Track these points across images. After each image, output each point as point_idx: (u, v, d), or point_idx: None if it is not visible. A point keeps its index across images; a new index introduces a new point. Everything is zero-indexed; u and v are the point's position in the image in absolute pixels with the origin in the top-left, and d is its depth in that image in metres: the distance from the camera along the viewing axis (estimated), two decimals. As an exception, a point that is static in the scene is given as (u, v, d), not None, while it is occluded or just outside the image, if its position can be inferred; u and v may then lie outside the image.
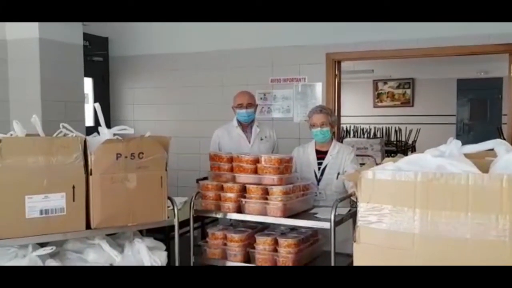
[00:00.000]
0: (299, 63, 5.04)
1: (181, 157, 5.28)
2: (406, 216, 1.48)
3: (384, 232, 1.52)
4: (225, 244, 2.82)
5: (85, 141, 2.33)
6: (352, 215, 2.83)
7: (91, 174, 2.32)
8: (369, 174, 1.53)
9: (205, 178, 3.23)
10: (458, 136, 10.16)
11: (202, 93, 5.49)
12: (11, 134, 2.31)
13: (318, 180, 3.25)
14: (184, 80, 5.57)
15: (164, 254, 2.62)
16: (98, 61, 5.67)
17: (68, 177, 2.26)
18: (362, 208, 1.56)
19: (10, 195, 2.14)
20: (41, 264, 2.25)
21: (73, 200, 2.27)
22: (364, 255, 1.57)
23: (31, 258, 2.24)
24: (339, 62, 5.01)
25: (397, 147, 8.87)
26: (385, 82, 11.37)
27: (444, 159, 1.57)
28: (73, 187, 2.27)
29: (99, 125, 2.54)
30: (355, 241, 1.58)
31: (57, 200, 2.23)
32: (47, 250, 2.27)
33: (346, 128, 9.40)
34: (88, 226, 2.34)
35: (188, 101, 5.58)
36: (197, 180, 4.71)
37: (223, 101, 5.15)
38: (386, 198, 1.52)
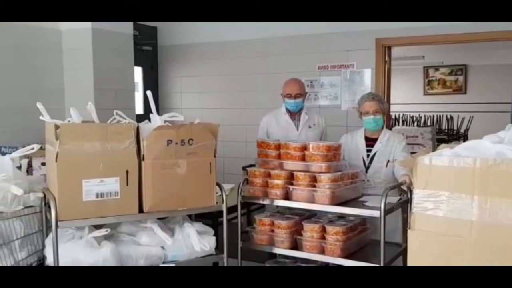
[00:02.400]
0: (348, 49, 4.94)
1: (228, 145, 5.32)
2: (464, 203, 1.44)
3: (441, 219, 1.48)
4: (272, 231, 2.83)
5: (137, 128, 2.39)
6: (402, 204, 2.78)
7: (143, 159, 2.38)
8: (426, 160, 1.49)
9: (252, 166, 3.25)
10: (513, 125, 9.69)
11: (249, 80, 5.50)
12: (69, 121, 2.41)
13: (367, 168, 3.19)
14: (231, 68, 5.59)
15: (213, 239, 2.67)
16: (147, 50, 5.78)
17: (122, 162, 2.33)
18: (417, 194, 1.52)
19: (69, 179, 2.23)
20: (97, 246, 2.34)
21: (127, 185, 2.34)
22: (419, 242, 1.53)
23: (87, 240, 2.34)
24: (389, 48, 4.88)
25: (448, 135, 8.57)
26: (436, 68, 10.98)
27: (503, 145, 1.51)
28: (127, 172, 2.34)
29: (149, 112, 2.60)
30: (409, 228, 1.55)
31: (112, 184, 2.30)
32: (103, 232, 2.36)
33: (395, 116, 9.17)
34: (140, 210, 2.41)
35: (235, 89, 5.61)
36: (243, 168, 4.75)
37: (269, 88, 5.14)
38: (443, 184, 1.47)
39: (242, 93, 5.56)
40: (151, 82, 5.89)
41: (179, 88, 6.00)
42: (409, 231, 1.56)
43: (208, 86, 5.79)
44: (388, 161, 3.16)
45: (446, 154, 1.50)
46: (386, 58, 4.86)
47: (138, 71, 5.64)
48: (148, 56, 5.83)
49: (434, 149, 5.07)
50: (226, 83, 5.65)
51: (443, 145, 1.77)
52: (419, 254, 1.53)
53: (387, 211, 2.52)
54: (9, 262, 2.30)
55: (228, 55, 5.59)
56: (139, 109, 5.35)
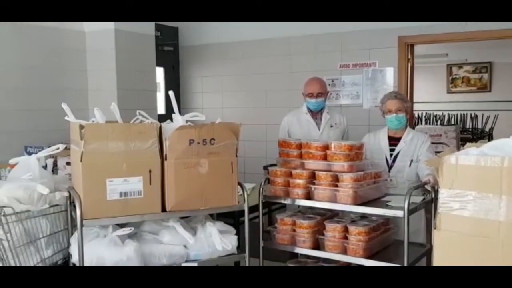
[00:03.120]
0: (370, 47, 4.89)
1: (248, 144, 5.33)
2: (491, 203, 1.41)
3: (467, 219, 1.45)
4: (294, 230, 2.83)
5: (160, 128, 2.41)
6: (426, 204, 2.74)
7: (166, 159, 2.40)
8: (452, 159, 1.46)
9: (273, 165, 3.25)
10: (540, 123, 9.47)
11: (270, 80, 5.49)
12: (93, 121, 2.44)
13: (390, 167, 3.16)
14: (252, 68, 5.60)
15: (235, 238, 2.67)
16: (168, 50, 5.83)
17: (145, 162, 2.35)
18: (443, 194, 1.49)
19: (93, 179, 2.26)
20: (121, 244, 2.36)
21: (150, 184, 2.36)
22: (445, 242, 1.51)
23: (111, 238, 2.37)
24: (412, 46, 4.81)
25: (473, 134, 8.42)
26: (460, 66, 10.78)
27: (532, 144, 1.47)
28: (150, 171, 2.36)
29: (170, 113, 2.61)
30: (435, 228, 1.52)
31: (135, 184, 2.33)
32: (126, 231, 2.39)
33: (418, 115, 9.05)
34: (163, 209, 2.43)
35: (256, 88, 5.61)
36: (264, 167, 4.75)
37: (290, 87, 5.13)
38: (470, 184, 1.44)
39: (263, 93, 5.56)
40: (173, 82, 5.94)
41: (200, 88, 6.04)
42: (434, 231, 1.54)
43: (229, 85, 5.80)
44: (412, 161, 3.12)
45: (472, 153, 1.47)
46: (409, 56, 4.80)
47: (159, 72, 5.69)
48: (169, 56, 5.88)
49: (458, 148, 4.98)
50: (247, 82, 5.66)
51: (469, 144, 1.73)
52: (445, 255, 1.51)
53: (411, 211, 2.49)
54: (35, 259, 2.35)
55: (249, 55, 5.60)
56: (161, 109, 5.40)
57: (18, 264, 2.26)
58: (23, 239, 2.30)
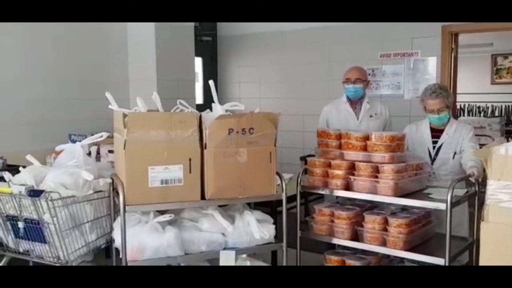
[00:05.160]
0: (412, 36, 4.78)
1: (285, 135, 5.31)
2: (543, 196, 1.35)
3: (517, 211, 1.40)
4: (332, 221, 2.81)
5: (200, 117, 2.44)
6: (469, 197, 2.66)
7: (205, 148, 2.43)
8: (501, 150, 1.41)
9: (310, 156, 3.22)
10: None
11: (308, 70, 5.45)
12: (135, 110, 2.49)
13: (432, 160, 3.08)
14: (290, 58, 5.57)
15: (272, 227, 2.68)
16: (207, 40, 5.88)
17: (185, 150, 2.39)
18: (492, 185, 1.45)
19: (135, 166, 2.32)
20: (162, 231, 2.41)
21: (190, 172, 2.40)
22: (493, 235, 1.46)
23: (152, 224, 2.42)
24: (456, 35, 4.67)
25: (518, 127, 8.12)
26: (505, 56, 10.38)
27: None
28: (190, 159, 2.40)
29: (208, 102, 2.63)
30: (482, 220, 1.48)
31: (176, 171, 2.37)
32: (167, 217, 2.43)
33: (460, 106, 8.79)
34: (202, 197, 2.46)
35: (293, 78, 5.59)
36: (301, 158, 4.73)
37: (329, 78, 5.08)
38: (520, 175, 1.39)
39: (301, 83, 5.53)
40: (211, 72, 5.99)
41: (237, 78, 6.06)
42: (482, 223, 1.50)
43: (267, 76, 5.80)
44: (455, 153, 3.03)
45: (523, 144, 1.42)
46: (453, 46, 4.67)
47: (198, 62, 5.75)
48: (208, 46, 5.93)
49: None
50: (285, 72, 5.64)
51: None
52: (493, 247, 1.46)
53: (454, 204, 2.43)
54: (80, 243, 2.43)
55: (287, 44, 5.57)
56: (199, 99, 5.46)
57: (64, 247, 2.35)
58: (69, 224, 2.37)
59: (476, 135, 3.38)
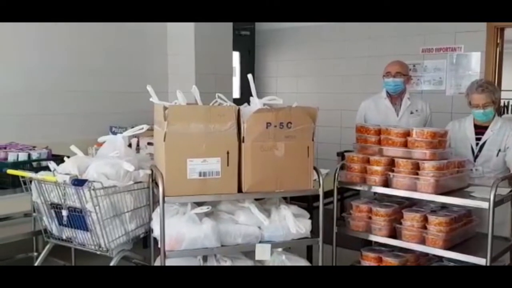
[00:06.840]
0: (455, 31, 4.64)
1: (322, 130, 5.27)
2: None
3: None
4: (369, 218, 2.77)
5: (238, 110, 2.45)
6: (513, 196, 2.58)
7: (243, 141, 2.44)
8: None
9: (348, 151, 3.19)
10: None
11: (347, 64, 5.38)
12: (175, 103, 2.52)
13: (475, 157, 2.99)
14: (328, 52, 5.51)
15: (309, 222, 2.67)
16: (245, 35, 5.89)
17: (223, 143, 2.41)
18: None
19: (175, 158, 2.35)
20: (199, 222, 2.44)
21: (227, 165, 2.41)
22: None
23: (190, 215, 2.45)
24: (502, 30, 4.51)
25: None
26: (553, 52, 9.95)
27: None
28: (227, 152, 2.41)
29: (245, 96, 2.63)
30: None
31: (214, 164, 2.39)
32: (204, 209, 2.46)
33: (504, 103, 8.48)
34: (239, 190, 2.47)
35: (331, 73, 5.53)
36: (338, 153, 4.69)
37: (369, 72, 5.00)
38: None
39: (339, 78, 5.47)
40: (248, 66, 6.00)
41: (274, 73, 6.05)
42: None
43: (304, 70, 5.76)
44: (499, 150, 2.94)
45: None
46: (498, 41, 4.50)
47: (235, 56, 5.77)
48: (245, 40, 5.94)
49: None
50: (323, 67, 5.59)
51: None
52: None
53: (497, 203, 2.36)
54: (120, 231, 2.49)
55: (326, 38, 5.52)
56: (235, 93, 5.48)
57: (105, 235, 2.41)
58: (110, 213, 2.44)
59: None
